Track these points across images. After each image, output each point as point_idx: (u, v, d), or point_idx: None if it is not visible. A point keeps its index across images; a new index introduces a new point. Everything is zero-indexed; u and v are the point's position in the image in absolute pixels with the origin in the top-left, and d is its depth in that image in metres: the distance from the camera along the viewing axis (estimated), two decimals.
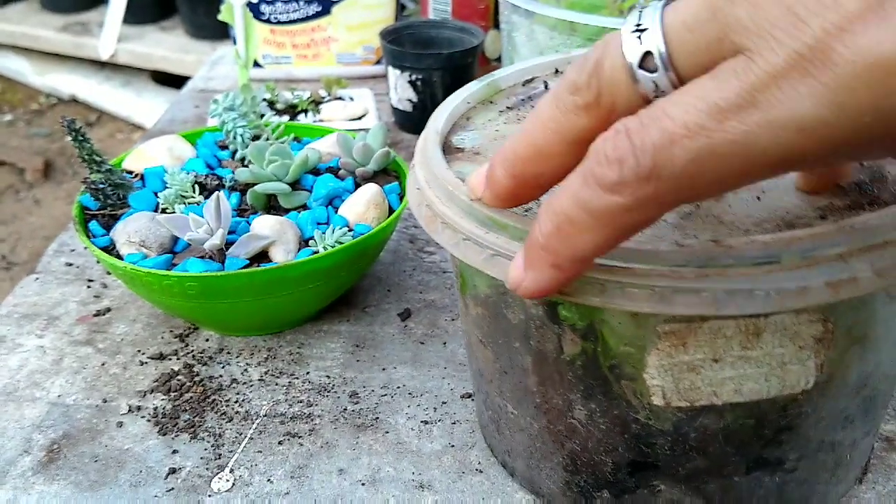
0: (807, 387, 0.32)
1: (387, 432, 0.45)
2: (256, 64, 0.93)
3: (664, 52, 0.22)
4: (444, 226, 0.32)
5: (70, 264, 0.61)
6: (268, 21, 0.92)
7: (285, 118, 0.76)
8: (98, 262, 0.61)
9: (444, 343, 0.52)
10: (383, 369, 0.50)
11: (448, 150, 0.38)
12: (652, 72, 0.23)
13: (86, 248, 0.61)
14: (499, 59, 0.87)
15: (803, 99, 0.20)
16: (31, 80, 2.52)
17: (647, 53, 0.23)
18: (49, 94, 2.50)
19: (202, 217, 0.48)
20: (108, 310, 0.56)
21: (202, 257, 0.48)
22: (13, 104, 2.49)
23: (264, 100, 0.78)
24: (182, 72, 2.14)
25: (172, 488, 0.42)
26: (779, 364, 0.31)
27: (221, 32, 2.14)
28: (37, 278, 0.60)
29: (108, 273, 0.60)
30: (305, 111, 0.79)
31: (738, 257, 0.26)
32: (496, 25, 0.85)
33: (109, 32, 2.22)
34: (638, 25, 0.23)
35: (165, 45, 2.22)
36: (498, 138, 0.38)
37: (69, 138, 0.51)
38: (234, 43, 0.78)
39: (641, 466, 0.35)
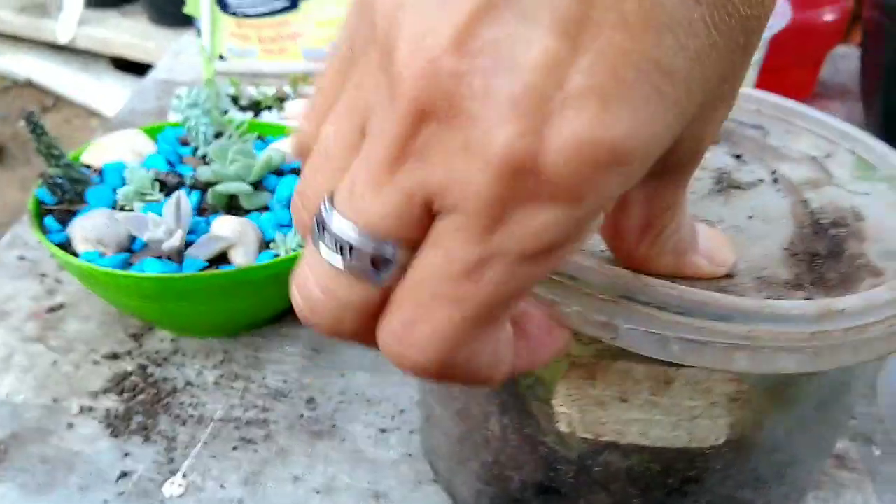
0: (716, 443, 0.32)
1: (343, 440, 0.45)
2: (221, 57, 0.91)
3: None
4: None
5: (23, 258, 0.60)
6: (234, 14, 0.91)
7: (249, 115, 0.75)
8: (52, 256, 0.59)
9: None
10: (342, 375, 0.50)
11: None
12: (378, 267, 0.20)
13: (40, 242, 0.60)
14: None
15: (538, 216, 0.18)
16: None
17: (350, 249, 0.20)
18: (4, 76, 2.44)
19: (161, 216, 0.47)
20: (62, 306, 0.55)
21: (160, 257, 0.47)
22: None
23: (228, 95, 0.77)
24: (143, 58, 2.10)
25: (123, 492, 0.42)
26: (688, 417, 0.31)
27: (184, 20, 2.11)
28: None
29: (62, 268, 0.58)
30: (270, 108, 0.78)
31: (654, 298, 0.26)
32: None
33: (69, 15, 2.17)
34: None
35: (127, 31, 2.18)
36: None
37: (25, 127, 0.49)
38: (199, 35, 0.77)
39: (547, 490, 0.35)
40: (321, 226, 0.20)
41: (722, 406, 0.30)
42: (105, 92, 2.23)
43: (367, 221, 0.19)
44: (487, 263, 0.19)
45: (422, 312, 0.20)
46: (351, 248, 0.20)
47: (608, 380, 0.30)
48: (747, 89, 0.43)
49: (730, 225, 0.33)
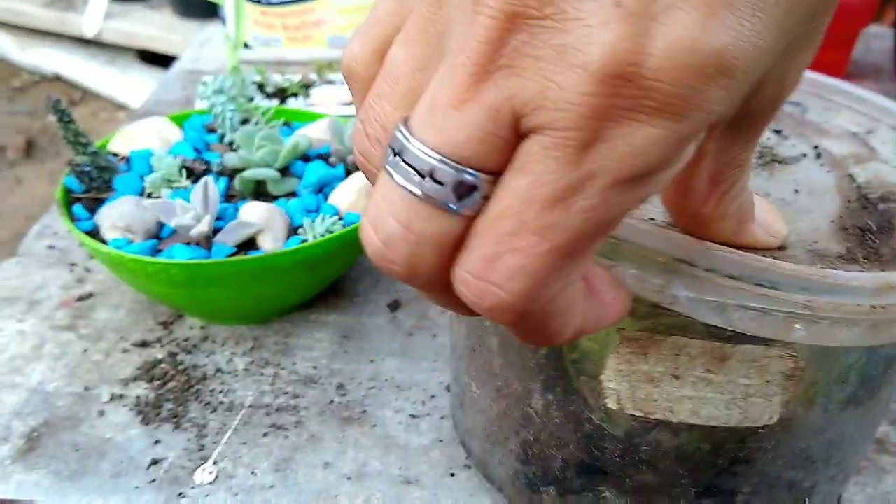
0: (770, 422, 0.31)
1: (374, 426, 0.45)
2: (245, 45, 0.91)
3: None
4: None
5: (52, 247, 0.60)
6: (258, 2, 0.91)
7: (275, 102, 0.75)
8: (81, 245, 0.59)
9: (434, 335, 0.51)
10: (371, 361, 0.49)
11: None
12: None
13: (69, 231, 0.60)
14: None
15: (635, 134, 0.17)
16: (13, 57, 2.48)
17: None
18: (32, 70, 2.46)
19: (189, 202, 0.47)
20: (91, 295, 0.55)
21: (188, 244, 0.47)
22: None
23: (254, 83, 0.77)
24: (168, 51, 2.11)
25: (154, 479, 0.41)
26: (742, 395, 0.30)
27: (209, 11, 2.12)
28: (18, 261, 0.59)
29: (91, 257, 0.58)
30: (296, 95, 0.78)
31: (713, 264, 0.26)
32: None
33: (95, 9, 2.19)
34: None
35: (152, 24, 2.20)
36: None
37: (53, 118, 0.49)
38: (224, 24, 0.77)
39: (590, 469, 0.35)
40: (396, 153, 0.19)
41: (777, 384, 0.30)
42: (131, 84, 2.24)
43: (449, 143, 0.18)
44: (580, 188, 0.17)
45: (506, 244, 0.18)
46: (432, 174, 0.18)
47: (661, 355, 0.30)
48: None
49: (776, 198, 0.32)
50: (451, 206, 0.19)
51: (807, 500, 0.36)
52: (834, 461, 0.35)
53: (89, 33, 2.20)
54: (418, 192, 0.19)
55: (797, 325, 0.26)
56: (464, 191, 0.18)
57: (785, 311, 0.26)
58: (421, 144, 0.18)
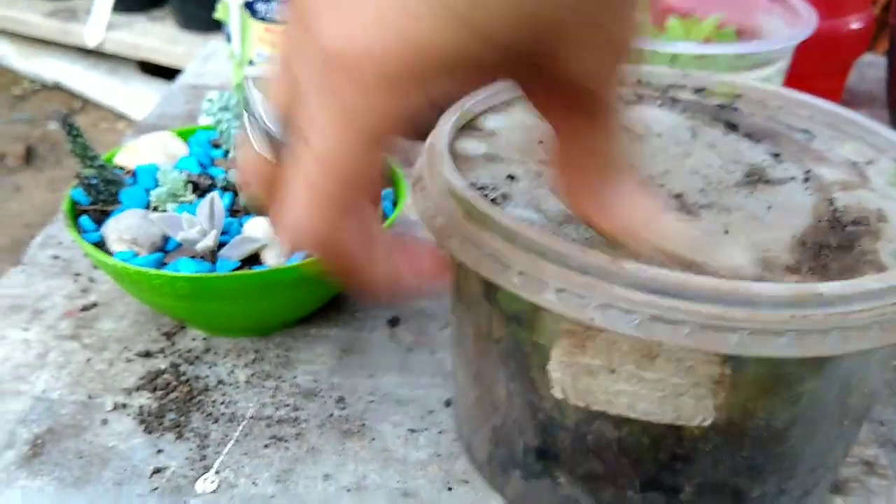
0: (703, 423, 0.32)
1: (373, 439, 0.46)
2: (250, 62, 0.92)
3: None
4: (463, 240, 0.32)
5: (56, 257, 0.61)
6: (262, 19, 0.92)
7: None
8: (86, 256, 0.60)
9: (433, 352, 0.52)
10: (371, 376, 0.50)
11: (469, 126, 0.39)
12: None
13: (73, 241, 0.61)
14: None
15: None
16: (14, 65, 2.49)
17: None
18: (33, 79, 2.47)
19: (195, 217, 0.48)
20: (95, 305, 0.56)
21: (193, 257, 0.48)
22: None
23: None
24: (170, 63, 2.12)
25: (157, 488, 0.42)
26: (673, 393, 0.31)
27: (211, 25, 2.12)
28: (22, 270, 0.60)
29: (96, 267, 0.59)
30: None
31: (626, 279, 0.28)
32: None
33: (97, 20, 2.20)
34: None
35: (154, 36, 2.21)
36: (522, 127, 0.40)
37: (55, 127, 0.50)
38: (228, 40, 0.78)
39: (546, 455, 0.37)
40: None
41: (706, 387, 0.31)
42: (132, 96, 2.25)
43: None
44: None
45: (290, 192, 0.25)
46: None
47: (597, 349, 0.32)
48: (801, 95, 0.43)
49: (747, 213, 0.34)
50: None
51: None
52: (786, 475, 0.36)
53: (91, 43, 2.21)
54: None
55: (713, 335, 0.27)
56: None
57: (700, 322, 0.27)
58: None
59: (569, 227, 0.33)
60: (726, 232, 0.32)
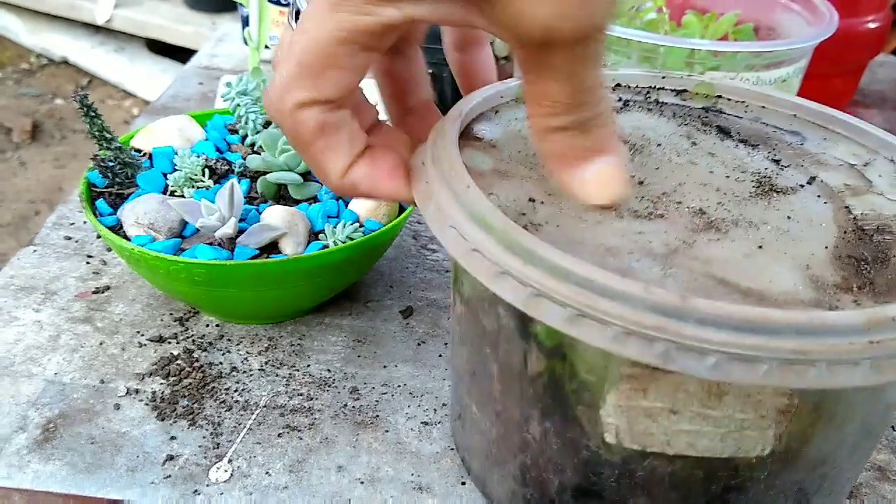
0: (762, 454, 0.32)
1: (387, 431, 0.45)
2: (266, 46, 0.92)
3: None
4: (452, 231, 0.30)
5: (69, 238, 0.61)
6: (277, 2, 0.91)
7: None
8: (99, 238, 0.60)
9: (446, 343, 0.52)
10: (384, 366, 0.50)
11: (466, 136, 0.37)
12: None
13: (87, 223, 0.61)
14: (507, 58, 0.87)
15: None
16: (22, 39, 2.48)
17: None
18: (40, 54, 2.46)
19: (213, 203, 0.48)
20: (108, 287, 0.56)
21: (211, 244, 0.47)
22: (3, 62, 2.45)
23: None
24: (178, 42, 2.11)
25: (170, 475, 0.42)
26: (737, 428, 0.31)
27: (220, 5, 2.12)
28: (35, 250, 0.59)
29: (109, 250, 0.59)
30: None
31: (699, 318, 0.26)
32: None
33: None
34: None
35: (163, 14, 2.20)
36: (520, 137, 0.38)
37: (71, 107, 0.50)
38: (245, 24, 0.78)
39: (586, 493, 0.35)
40: None
41: (770, 418, 0.30)
42: (140, 73, 2.25)
43: None
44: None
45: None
46: None
47: (660, 391, 0.30)
48: (787, 95, 0.43)
49: (773, 227, 0.33)
50: None
51: None
52: (825, 492, 0.35)
53: (101, 20, 2.20)
54: None
55: (791, 370, 0.26)
56: None
57: (777, 357, 0.26)
58: None
59: (610, 259, 0.30)
60: (760, 247, 0.32)
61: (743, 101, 0.43)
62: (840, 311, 0.26)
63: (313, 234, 0.50)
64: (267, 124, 0.59)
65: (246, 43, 0.67)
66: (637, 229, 0.32)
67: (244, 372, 0.49)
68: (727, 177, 0.37)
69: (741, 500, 0.34)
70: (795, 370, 0.26)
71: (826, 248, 0.32)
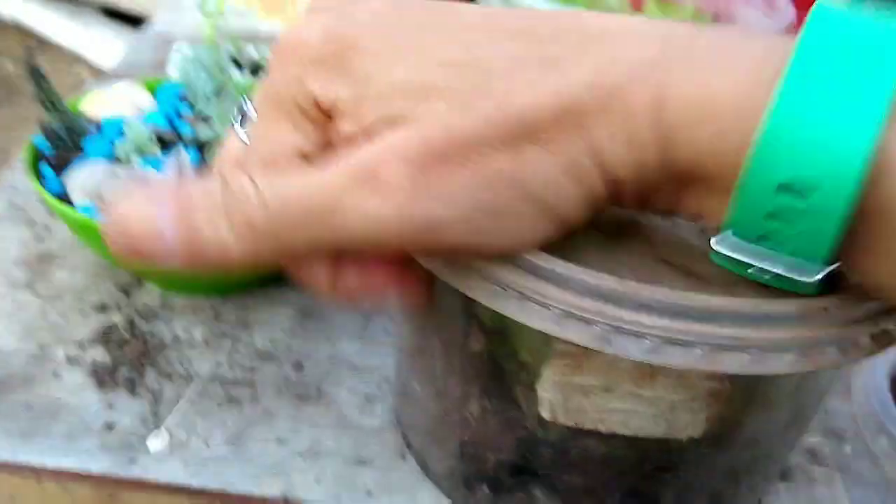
0: (694, 434, 0.32)
1: (329, 405, 0.46)
2: (220, 14, 0.90)
3: None
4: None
5: (12, 203, 0.60)
6: None
7: (248, 75, 0.74)
8: (44, 204, 0.59)
9: (392, 319, 0.52)
10: (329, 341, 0.50)
11: None
12: None
13: (31, 188, 0.59)
14: None
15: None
16: None
17: None
18: None
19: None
20: (51, 255, 0.55)
21: None
22: None
23: (229, 55, 0.77)
24: (133, 9, 2.07)
25: (107, 444, 0.42)
26: (669, 408, 0.31)
27: None
28: None
29: (52, 216, 0.58)
30: None
31: (632, 301, 0.26)
32: None
33: None
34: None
35: None
36: None
37: (22, 72, 0.49)
38: None
39: (522, 470, 0.36)
40: None
41: (702, 399, 0.31)
42: (93, 39, 2.19)
43: None
44: None
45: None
46: None
47: (593, 369, 0.31)
48: None
49: None
50: None
51: None
52: (756, 472, 0.37)
53: None
54: None
55: (725, 356, 0.27)
56: None
57: (711, 343, 0.26)
58: None
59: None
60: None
61: None
62: (775, 300, 0.27)
63: None
64: (218, 93, 0.58)
65: (201, 11, 0.66)
66: None
67: (186, 343, 0.49)
68: None
69: (673, 480, 0.35)
70: (730, 356, 0.27)
71: None
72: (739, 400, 0.32)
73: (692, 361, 0.27)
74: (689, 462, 0.34)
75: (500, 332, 0.33)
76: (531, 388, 0.33)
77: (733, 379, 0.31)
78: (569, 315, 0.27)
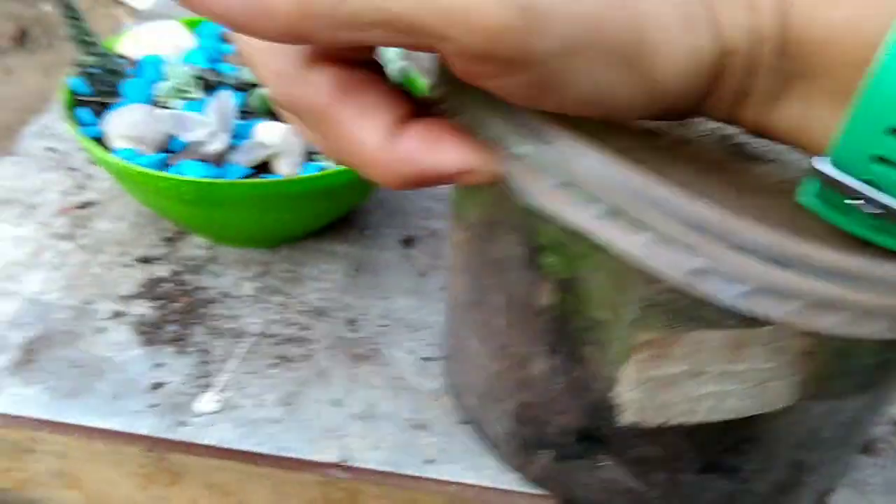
0: (787, 404, 0.30)
1: (385, 365, 0.43)
2: None
3: None
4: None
5: (52, 149, 0.57)
6: None
7: None
8: (85, 151, 0.57)
9: (448, 271, 0.50)
10: (383, 297, 0.47)
11: None
12: None
13: (74, 136, 0.57)
14: None
15: None
16: None
17: None
18: None
19: (204, 116, 0.44)
20: (92, 203, 0.53)
21: (199, 160, 0.44)
22: None
23: None
24: None
25: (156, 404, 0.40)
26: (760, 381, 0.29)
27: None
28: (15, 161, 0.56)
29: (93, 163, 0.56)
30: None
31: (736, 241, 0.23)
32: None
33: None
34: None
35: None
36: None
37: (49, 8, 0.46)
38: None
39: (589, 437, 0.34)
40: None
41: (795, 363, 0.28)
42: None
43: None
44: None
45: None
46: None
47: (680, 355, 0.28)
48: None
49: None
50: None
51: (807, 479, 0.35)
52: (842, 441, 0.34)
53: None
54: None
55: (824, 313, 0.24)
56: None
57: (810, 297, 0.24)
58: None
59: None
60: None
61: None
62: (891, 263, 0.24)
63: (309, 155, 0.47)
64: None
65: None
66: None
67: (236, 298, 0.46)
68: None
69: (756, 450, 0.32)
70: (827, 314, 0.24)
71: None
72: (828, 363, 0.29)
73: (792, 315, 0.24)
74: (775, 431, 0.32)
75: (572, 284, 0.30)
76: (603, 348, 0.30)
77: (822, 340, 0.27)
78: (661, 242, 0.24)
